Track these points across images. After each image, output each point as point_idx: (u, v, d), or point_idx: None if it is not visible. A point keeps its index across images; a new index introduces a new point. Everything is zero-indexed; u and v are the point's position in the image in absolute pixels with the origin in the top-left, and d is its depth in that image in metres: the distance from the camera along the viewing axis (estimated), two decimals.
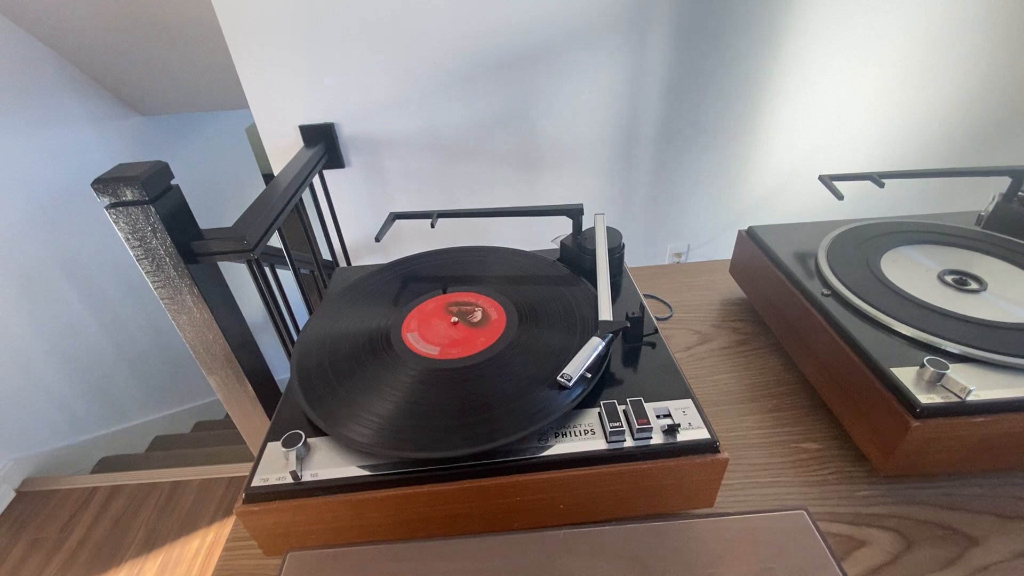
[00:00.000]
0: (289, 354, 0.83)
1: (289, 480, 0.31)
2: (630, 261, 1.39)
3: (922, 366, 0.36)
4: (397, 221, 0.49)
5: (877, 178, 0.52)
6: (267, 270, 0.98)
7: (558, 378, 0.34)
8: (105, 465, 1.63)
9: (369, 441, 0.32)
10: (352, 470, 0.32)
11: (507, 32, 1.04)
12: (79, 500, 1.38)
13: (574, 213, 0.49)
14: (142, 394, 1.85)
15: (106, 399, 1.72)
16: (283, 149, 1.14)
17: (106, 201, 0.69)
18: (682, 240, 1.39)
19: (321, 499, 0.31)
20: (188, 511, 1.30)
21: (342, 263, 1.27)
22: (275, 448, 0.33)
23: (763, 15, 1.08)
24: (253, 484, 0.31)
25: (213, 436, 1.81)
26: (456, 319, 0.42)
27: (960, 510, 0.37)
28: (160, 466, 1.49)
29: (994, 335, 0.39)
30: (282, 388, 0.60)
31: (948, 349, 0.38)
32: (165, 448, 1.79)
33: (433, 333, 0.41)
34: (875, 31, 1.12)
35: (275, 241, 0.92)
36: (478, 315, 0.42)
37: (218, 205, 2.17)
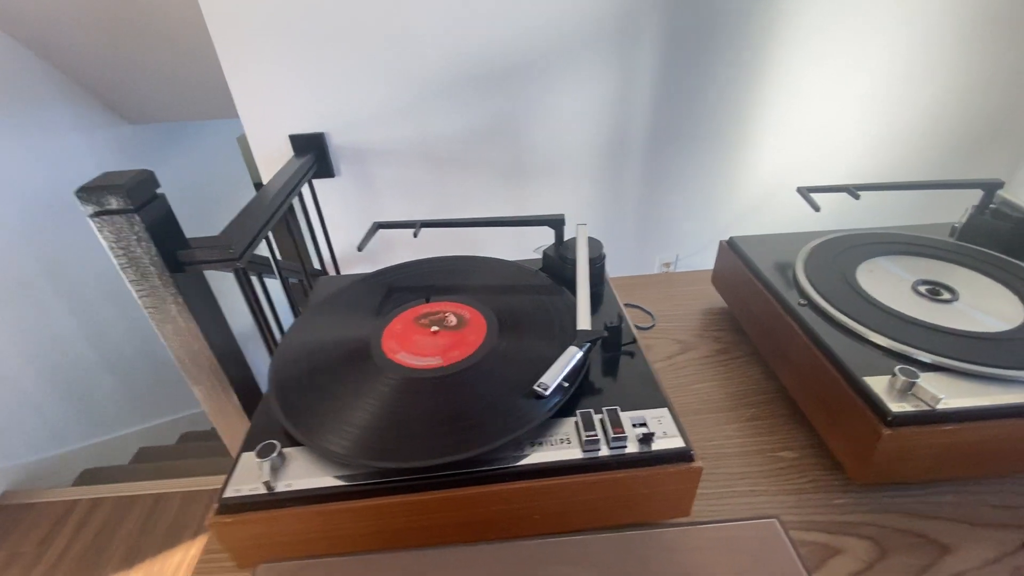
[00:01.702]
0: None
1: (263, 491, 0.31)
2: (619, 271, 1.40)
3: (893, 375, 0.36)
4: (385, 231, 0.49)
5: (853, 190, 0.53)
6: (256, 279, 0.97)
7: (534, 387, 0.34)
8: (87, 477, 1.60)
9: (344, 451, 0.32)
10: (327, 480, 0.32)
11: (497, 43, 1.06)
12: (59, 513, 1.35)
13: (556, 223, 0.49)
14: (127, 404, 1.82)
15: (89, 409, 1.69)
16: (273, 158, 1.14)
17: (90, 209, 0.68)
18: (671, 251, 1.40)
19: (295, 510, 0.31)
20: (171, 525, 1.28)
21: (332, 273, 1.26)
22: (249, 458, 0.33)
23: (749, 29, 1.10)
24: (225, 495, 0.31)
25: (199, 448, 1.78)
26: (435, 327, 0.42)
27: (934, 518, 0.37)
28: (143, 478, 1.47)
29: (964, 344, 0.39)
30: None
31: (920, 358, 0.39)
32: (150, 460, 1.76)
33: (413, 343, 0.41)
34: (860, 45, 1.15)
35: (265, 250, 0.92)
36: (452, 319, 0.43)
37: (209, 215, 2.16)
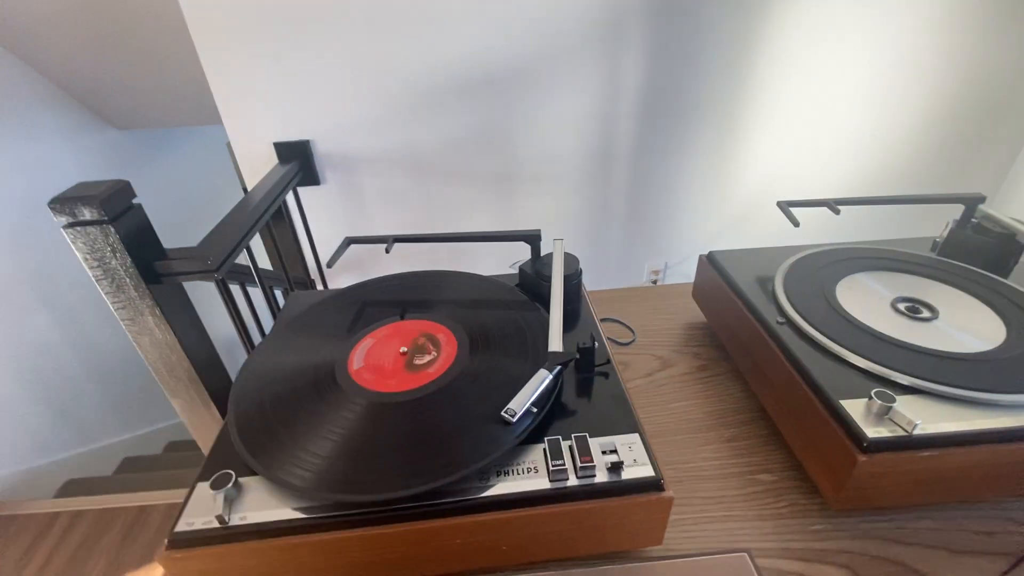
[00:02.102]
0: None
1: (216, 524, 0.30)
2: (608, 279, 1.39)
3: (870, 399, 0.36)
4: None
5: (833, 205, 0.53)
6: (240, 288, 0.96)
7: (502, 413, 0.33)
8: (71, 488, 1.57)
9: (301, 483, 0.31)
10: (284, 513, 0.31)
11: (486, 52, 1.05)
12: (40, 525, 1.33)
13: (532, 239, 0.49)
14: (111, 413, 1.79)
15: (73, 419, 1.67)
16: (258, 166, 1.13)
17: (63, 220, 0.67)
18: (659, 258, 1.40)
19: (248, 544, 0.30)
20: (153, 537, 1.26)
21: (316, 281, 1.25)
22: (204, 489, 0.32)
23: (736, 40, 1.10)
24: (177, 529, 0.30)
25: (184, 458, 1.76)
26: (404, 348, 0.41)
27: (912, 544, 0.37)
28: (127, 489, 1.44)
29: (943, 366, 0.39)
30: None
31: (898, 380, 0.38)
32: (134, 470, 1.73)
33: (379, 364, 0.40)
34: (848, 54, 1.15)
35: (260, 260, 0.90)
36: (426, 359, 0.40)
37: (199, 222, 2.13)
